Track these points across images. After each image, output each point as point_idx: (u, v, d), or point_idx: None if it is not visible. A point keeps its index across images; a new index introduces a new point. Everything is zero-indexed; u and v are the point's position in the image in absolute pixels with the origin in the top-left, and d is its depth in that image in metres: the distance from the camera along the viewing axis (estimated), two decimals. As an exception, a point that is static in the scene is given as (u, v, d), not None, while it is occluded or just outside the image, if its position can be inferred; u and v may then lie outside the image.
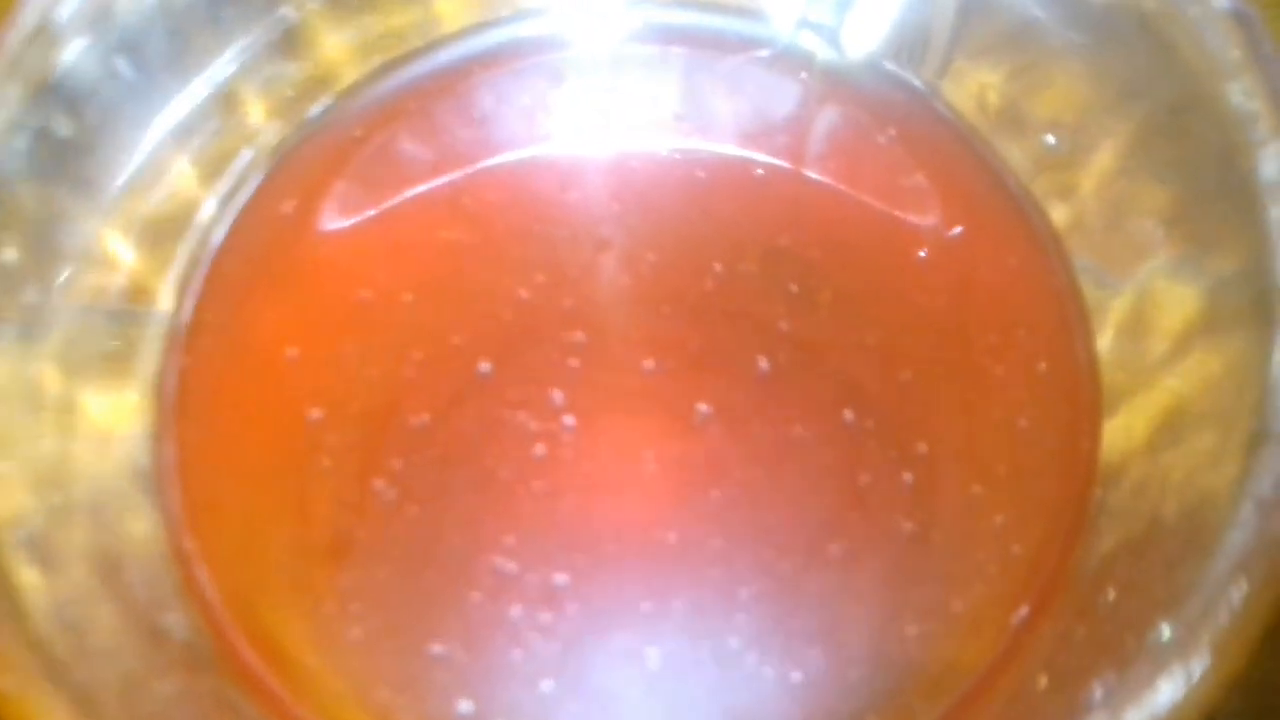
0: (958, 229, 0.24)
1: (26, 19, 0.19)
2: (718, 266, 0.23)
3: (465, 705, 0.19)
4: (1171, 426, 0.20)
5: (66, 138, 0.19)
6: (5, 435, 0.18)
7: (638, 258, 0.24)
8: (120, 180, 0.20)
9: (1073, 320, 0.23)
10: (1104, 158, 0.22)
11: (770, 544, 0.20)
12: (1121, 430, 0.21)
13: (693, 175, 0.24)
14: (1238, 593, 0.16)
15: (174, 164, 0.21)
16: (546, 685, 0.20)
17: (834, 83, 0.25)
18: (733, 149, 0.25)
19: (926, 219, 0.24)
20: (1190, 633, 0.16)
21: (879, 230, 0.24)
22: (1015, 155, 0.24)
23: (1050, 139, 0.22)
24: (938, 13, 0.23)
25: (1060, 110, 0.22)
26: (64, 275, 0.19)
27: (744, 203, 0.24)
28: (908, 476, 0.21)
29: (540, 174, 0.24)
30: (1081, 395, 0.22)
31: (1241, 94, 0.19)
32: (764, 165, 0.25)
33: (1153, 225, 0.21)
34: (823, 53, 0.24)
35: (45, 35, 0.19)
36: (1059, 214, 0.23)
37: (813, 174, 0.25)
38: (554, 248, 0.23)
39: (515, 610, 0.20)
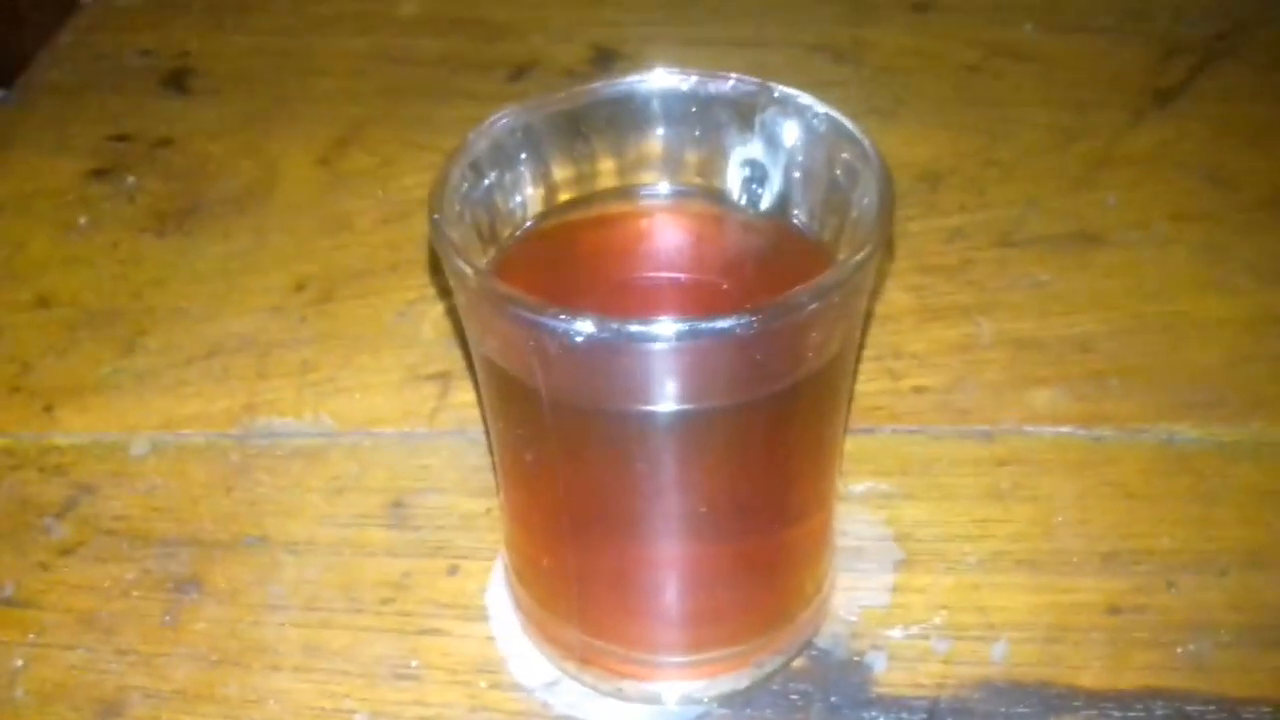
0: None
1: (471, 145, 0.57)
2: (701, 272, 0.62)
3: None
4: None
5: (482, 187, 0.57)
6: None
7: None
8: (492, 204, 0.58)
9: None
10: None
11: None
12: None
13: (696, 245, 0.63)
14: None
15: (511, 203, 0.59)
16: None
17: (757, 218, 0.62)
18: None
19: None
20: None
21: (763, 272, 0.62)
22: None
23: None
24: (796, 187, 0.61)
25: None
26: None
27: (713, 254, 0.63)
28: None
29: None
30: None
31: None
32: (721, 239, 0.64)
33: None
34: (753, 205, 0.62)
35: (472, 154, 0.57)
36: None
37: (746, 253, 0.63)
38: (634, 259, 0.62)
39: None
